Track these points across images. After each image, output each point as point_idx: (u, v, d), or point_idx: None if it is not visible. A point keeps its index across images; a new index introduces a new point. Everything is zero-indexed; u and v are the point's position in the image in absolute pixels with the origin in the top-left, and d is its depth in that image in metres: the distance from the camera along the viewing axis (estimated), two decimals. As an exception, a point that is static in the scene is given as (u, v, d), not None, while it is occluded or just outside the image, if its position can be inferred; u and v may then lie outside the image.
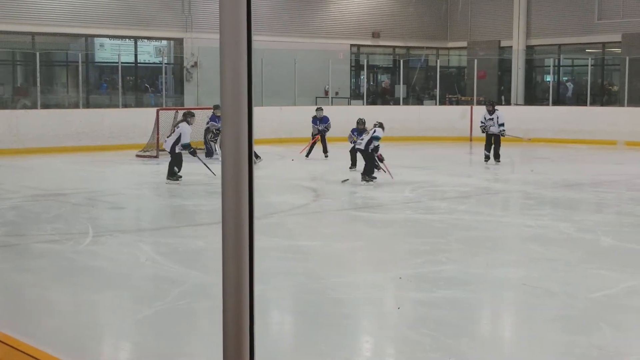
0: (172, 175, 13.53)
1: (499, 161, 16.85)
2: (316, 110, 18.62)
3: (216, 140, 17.59)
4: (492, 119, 17.05)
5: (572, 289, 6.98)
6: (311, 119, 18.31)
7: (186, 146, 13.51)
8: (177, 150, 13.53)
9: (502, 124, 16.82)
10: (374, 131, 13.74)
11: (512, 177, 14.26)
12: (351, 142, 14.92)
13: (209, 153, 17.40)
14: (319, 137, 17.96)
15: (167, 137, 13.88)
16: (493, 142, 16.96)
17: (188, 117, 14.13)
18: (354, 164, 15.20)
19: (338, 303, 6.54)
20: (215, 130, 17.41)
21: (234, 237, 1.70)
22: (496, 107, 17.42)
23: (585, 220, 10.64)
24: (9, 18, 20.49)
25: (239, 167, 1.68)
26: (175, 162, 13.55)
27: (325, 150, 17.92)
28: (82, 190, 12.90)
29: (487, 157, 17.07)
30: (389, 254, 8.69)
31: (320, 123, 18.08)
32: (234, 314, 1.70)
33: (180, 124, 13.82)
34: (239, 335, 1.70)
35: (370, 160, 13.74)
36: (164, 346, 5.49)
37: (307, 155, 17.98)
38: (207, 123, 17.79)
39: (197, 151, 14.39)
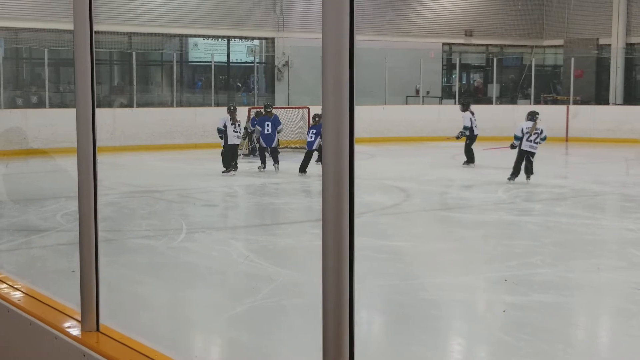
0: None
1: (465, 164, 15.82)
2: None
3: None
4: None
5: (676, 296, 6.70)
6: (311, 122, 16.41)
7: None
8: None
9: (464, 127, 15.86)
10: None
11: (610, 178, 13.79)
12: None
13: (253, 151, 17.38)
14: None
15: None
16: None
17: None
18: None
19: (430, 304, 6.46)
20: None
21: (334, 237, 1.67)
22: (471, 109, 16.21)
23: (689, 224, 10.20)
24: (106, 19, 21.07)
25: (340, 167, 1.66)
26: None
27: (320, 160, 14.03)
28: (176, 188, 13.17)
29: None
30: (481, 255, 8.52)
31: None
32: (334, 314, 1.67)
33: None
34: (339, 336, 1.67)
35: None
36: (257, 342, 5.52)
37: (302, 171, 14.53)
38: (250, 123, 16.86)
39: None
